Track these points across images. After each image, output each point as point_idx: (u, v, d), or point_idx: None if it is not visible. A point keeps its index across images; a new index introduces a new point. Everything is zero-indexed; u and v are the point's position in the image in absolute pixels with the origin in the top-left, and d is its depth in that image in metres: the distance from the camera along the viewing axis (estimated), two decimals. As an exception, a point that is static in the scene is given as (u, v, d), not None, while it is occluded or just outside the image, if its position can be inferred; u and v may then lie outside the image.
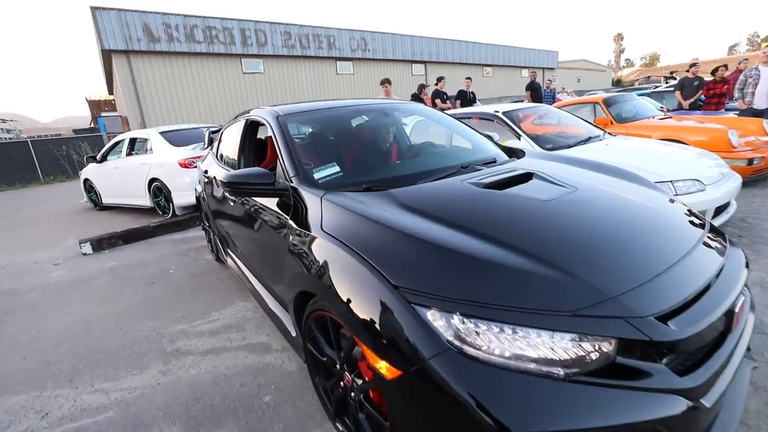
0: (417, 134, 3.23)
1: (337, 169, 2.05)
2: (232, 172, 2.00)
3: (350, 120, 2.71)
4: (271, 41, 17.58)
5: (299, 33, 18.33)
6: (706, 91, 7.73)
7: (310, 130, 2.63)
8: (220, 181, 1.96)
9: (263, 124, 2.48)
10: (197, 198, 4.15)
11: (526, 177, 1.82)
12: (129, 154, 6.26)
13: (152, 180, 5.66)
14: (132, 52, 14.47)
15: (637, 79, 39.63)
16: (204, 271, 3.70)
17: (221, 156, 3.29)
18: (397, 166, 2.43)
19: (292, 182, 1.91)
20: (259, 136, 2.95)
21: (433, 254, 1.23)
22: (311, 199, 1.75)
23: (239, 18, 16.76)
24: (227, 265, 3.40)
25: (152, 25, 14.66)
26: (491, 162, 2.20)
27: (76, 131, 23.49)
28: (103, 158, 6.84)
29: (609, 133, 4.33)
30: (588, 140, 3.96)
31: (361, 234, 1.41)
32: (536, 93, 9.84)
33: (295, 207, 1.83)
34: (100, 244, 4.75)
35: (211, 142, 4.48)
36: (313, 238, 1.57)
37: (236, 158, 2.78)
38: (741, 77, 5.94)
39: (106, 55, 14.93)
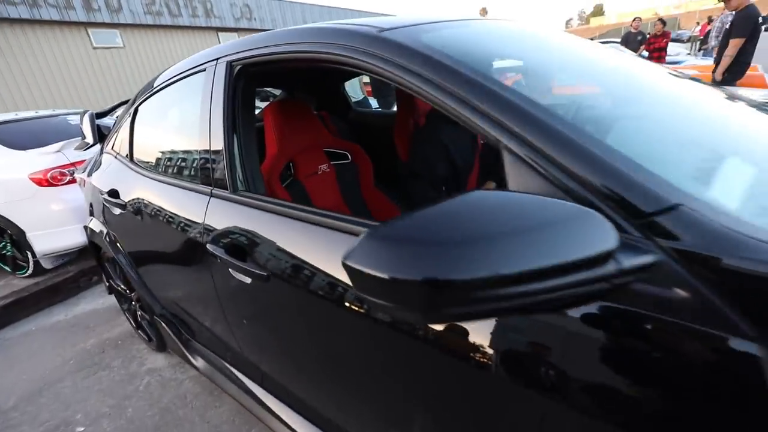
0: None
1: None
2: (386, 229, 0.43)
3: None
4: (128, 6, 13.75)
5: (165, -4, 14.71)
6: (647, 46, 7.77)
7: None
8: (349, 268, 0.42)
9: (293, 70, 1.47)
10: (92, 243, 2.28)
11: None
12: None
13: (-21, 214, 3.17)
14: None
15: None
16: (168, 412, 1.74)
17: (140, 159, 1.73)
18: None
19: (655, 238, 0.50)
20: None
21: None
22: None
23: (73, -28, 12.52)
24: (194, 364, 1.63)
25: (-72, -23, 9.93)
26: None
27: None
28: None
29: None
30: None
31: None
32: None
33: None
34: None
35: (102, 135, 2.42)
36: None
37: (209, 161, 1.21)
38: (717, 24, 5.75)
39: None
